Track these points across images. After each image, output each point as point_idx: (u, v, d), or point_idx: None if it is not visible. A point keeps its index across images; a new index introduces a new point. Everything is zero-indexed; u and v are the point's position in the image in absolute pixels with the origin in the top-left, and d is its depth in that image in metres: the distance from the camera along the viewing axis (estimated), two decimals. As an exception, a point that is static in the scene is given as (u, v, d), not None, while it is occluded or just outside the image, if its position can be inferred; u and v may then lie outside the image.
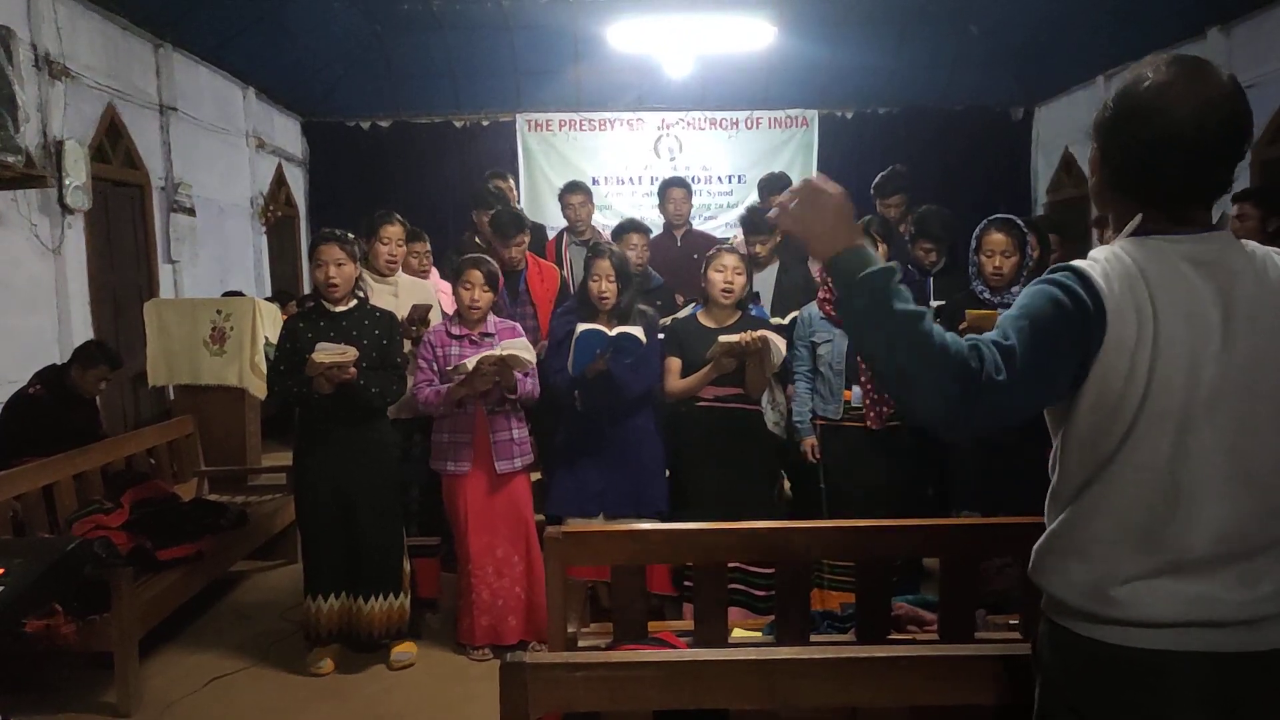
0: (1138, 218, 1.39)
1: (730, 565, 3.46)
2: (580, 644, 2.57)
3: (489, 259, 3.90)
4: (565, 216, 5.37)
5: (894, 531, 2.49)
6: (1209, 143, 1.34)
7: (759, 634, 2.76)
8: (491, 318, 3.85)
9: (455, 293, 3.83)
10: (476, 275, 3.76)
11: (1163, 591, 1.32)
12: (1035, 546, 1.47)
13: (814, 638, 2.53)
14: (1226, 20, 6.74)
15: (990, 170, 9.66)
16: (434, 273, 4.63)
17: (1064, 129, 9.39)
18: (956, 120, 9.75)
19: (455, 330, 3.81)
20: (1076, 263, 1.39)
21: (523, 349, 3.64)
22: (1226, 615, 1.31)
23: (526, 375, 3.71)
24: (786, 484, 4.27)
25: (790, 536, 2.43)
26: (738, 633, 2.74)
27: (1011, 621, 2.67)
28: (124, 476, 4.55)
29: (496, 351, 3.57)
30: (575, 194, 5.31)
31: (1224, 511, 1.32)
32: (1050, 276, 1.39)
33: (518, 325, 3.93)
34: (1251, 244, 1.41)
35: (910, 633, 2.65)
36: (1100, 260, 1.39)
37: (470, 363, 3.53)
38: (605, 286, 3.73)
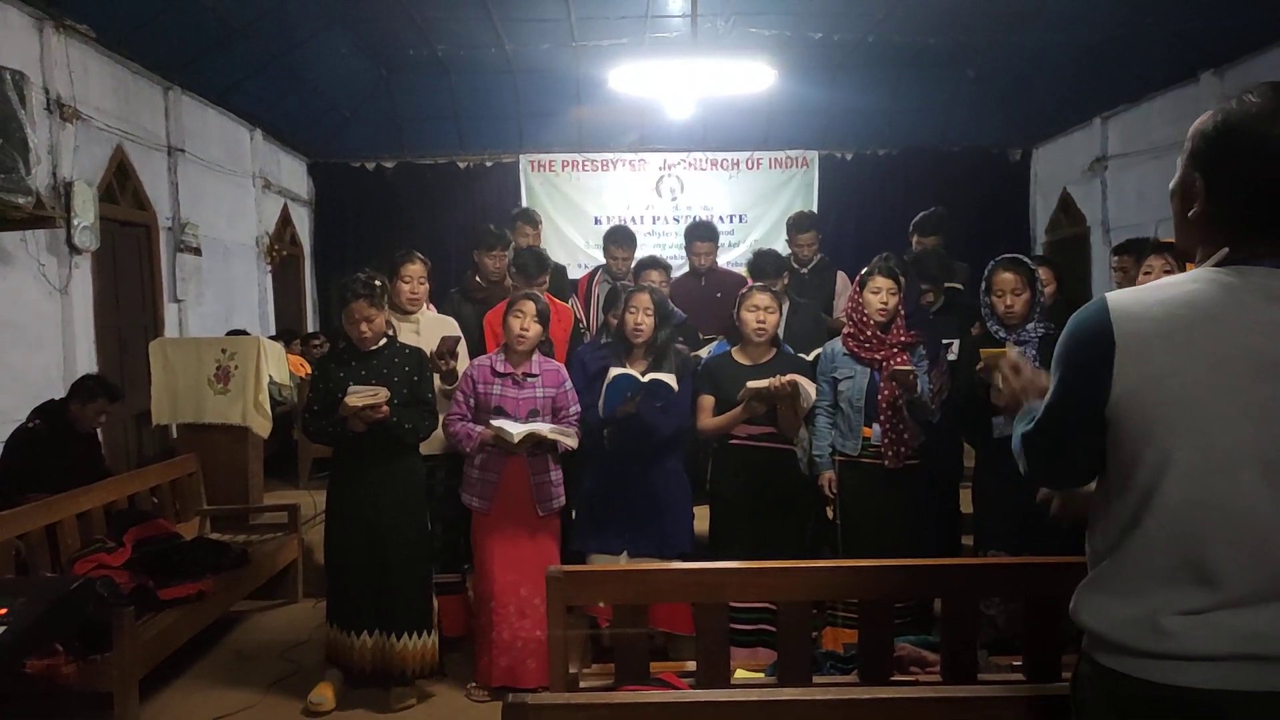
0: (1224, 250, 1.37)
1: (758, 606, 3.47)
2: (582, 685, 2.56)
3: (539, 295, 3.93)
4: (607, 264, 5.43)
5: (898, 571, 2.49)
6: None
7: (761, 675, 2.75)
8: (537, 357, 3.85)
9: (504, 323, 3.82)
10: (529, 306, 3.77)
11: (1216, 625, 1.30)
12: (1080, 585, 1.45)
13: (817, 679, 2.52)
14: (1219, 64, 6.84)
15: (989, 211, 9.75)
16: (431, 309, 4.65)
17: (1061, 170, 9.48)
18: (955, 161, 9.86)
19: (500, 368, 3.80)
20: (1113, 292, 1.42)
21: (569, 436, 3.64)
22: None
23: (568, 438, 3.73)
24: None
25: (793, 576, 2.43)
26: (740, 674, 2.73)
27: (1014, 663, 2.66)
28: (127, 515, 4.55)
29: (544, 431, 3.58)
30: (619, 247, 5.35)
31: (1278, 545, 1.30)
32: (1075, 315, 1.45)
33: (561, 367, 3.93)
34: None
35: (913, 674, 2.64)
36: (1152, 287, 1.40)
37: (516, 435, 3.53)
38: (642, 319, 3.75)
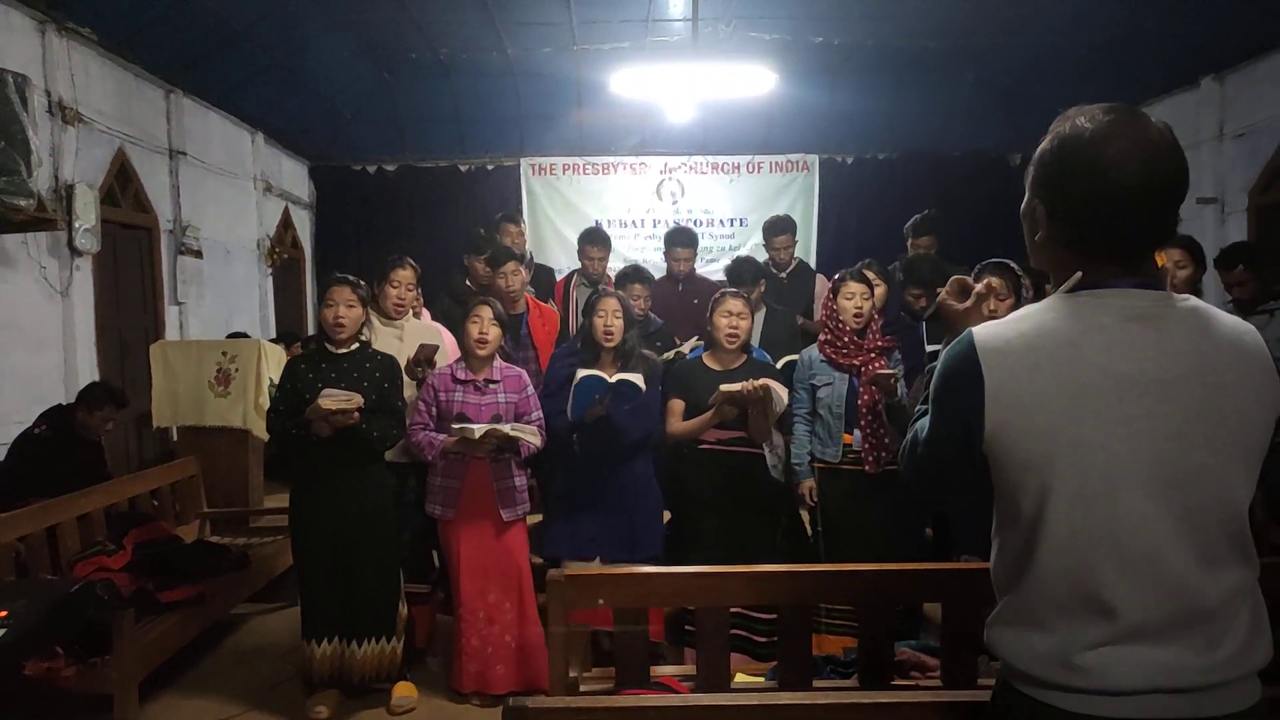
0: (1077, 275, 1.38)
1: (732, 610, 3.47)
2: (582, 689, 2.56)
3: (497, 301, 3.93)
4: (583, 265, 5.40)
5: (897, 576, 2.49)
6: (1159, 192, 1.33)
7: (762, 679, 2.75)
8: (497, 363, 3.86)
9: (463, 329, 3.82)
10: (486, 310, 3.78)
11: (1127, 658, 1.30)
12: (988, 619, 1.46)
13: (817, 683, 2.52)
14: (1219, 68, 6.86)
15: (988, 215, 9.71)
16: (425, 314, 4.65)
17: (1061, 174, 9.48)
18: (954, 165, 9.86)
19: (460, 375, 3.81)
20: (977, 326, 1.43)
21: (530, 434, 3.62)
22: (1190, 682, 1.29)
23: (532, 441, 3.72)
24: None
25: (793, 580, 2.43)
26: (740, 678, 2.74)
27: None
28: (127, 518, 4.55)
29: (505, 429, 3.56)
30: (594, 246, 5.33)
31: (1174, 572, 1.30)
32: (946, 349, 1.45)
33: (523, 373, 3.94)
34: (1192, 298, 1.40)
35: (913, 678, 2.64)
36: (1011, 320, 1.41)
37: (477, 432, 3.52)
38: (612, 322, 3.75)
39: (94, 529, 4.35)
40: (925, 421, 1.50)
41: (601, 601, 2.43)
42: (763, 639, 3.63)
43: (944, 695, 1.97)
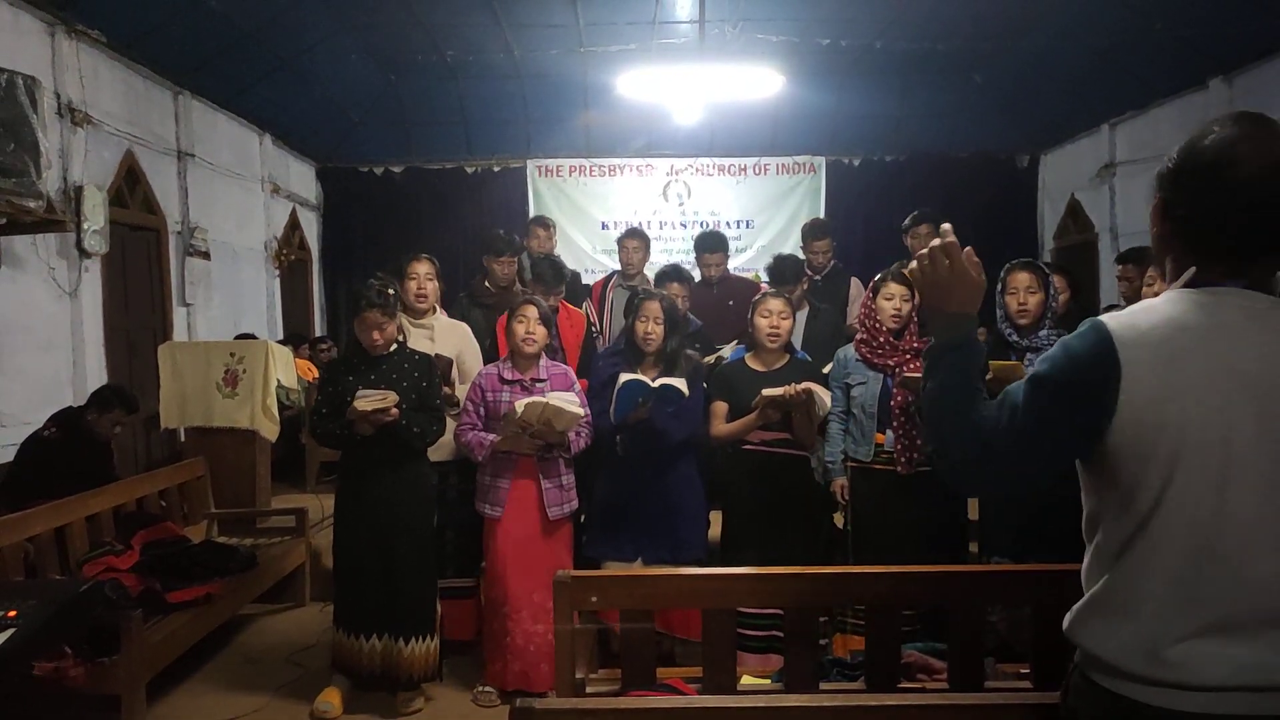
0: (1191, 270, 1.40)
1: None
2: (589, 689, 2.56)
3: (541, 299, 3.95)
4: (620, 259, 5.47)
5: (904, 578, 2.49)
6: (1274, 199, 1.34)
7: (768, 681, 2.75)
8: (544, 362, 3.87)
9: (508, 329, 3.84)
10: (532, 310, 3.80)
11: (1214, 653, 1.30)
12: (1076, 607, 1.46)
13: (824, 685, 2.52)
14: (1228, 70, 6.83)
15: (997, 217, 9.72)
16: (443, 314, 4.67)
17: (1070, 176, 9.46)
18: (962, 167, 9.84)
19: (507, 375, 3.82)
20: (1104, 316, 1.42)
21: (571, 403, 3.61)
22: (1276, 680, 1.29)
23: (579, 434, 3.73)
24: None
25: (799, 582, 2.43)
26: (747, 680, 2.73)
27: (1022, 670, 2.66)
28: (135, 518, 4.57)
29: (545, 399, 3.57)
30: (631, 239, 5.40)
31: (1270, 571, 1.30)
32: (1073, 333, 1.44)
33: (569, 370, 3.95)
34: None
35: (920, 681, 2.64)
36: (1139, 311, 1.41)
37: (520, 406, 3.53)
38: (652, 328, 3.76)
39: (102, 529, 4.37)
40: (1020, 400, 1.43)
41: (595, 599, 2.42)
42: (760, 633, 3.63)
43: (951, 698, 1.96)
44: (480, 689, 3.84)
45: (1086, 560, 1.47)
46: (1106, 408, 1.35)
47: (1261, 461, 1.31)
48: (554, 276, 4.47)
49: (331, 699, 3.72)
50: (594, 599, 2.45)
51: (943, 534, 3.81)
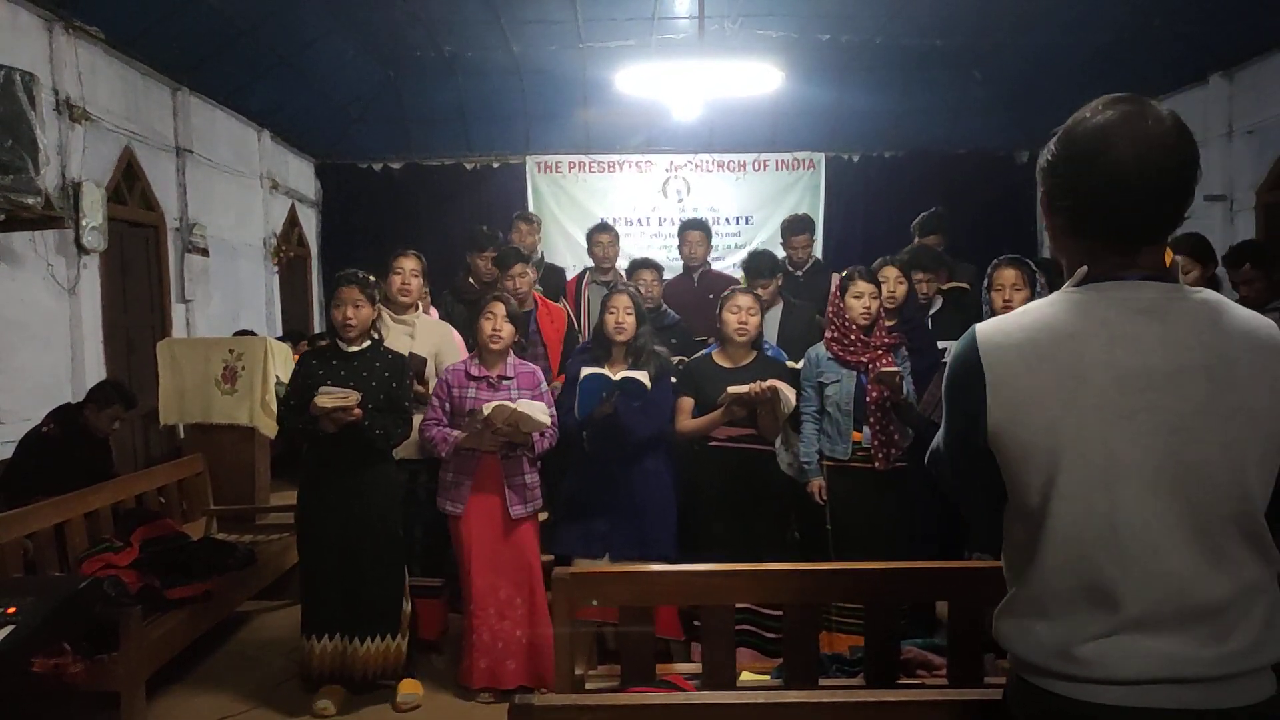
0: (1082, 269, 1.38)
1: (740, 606, 3.47)
2: (587, 686, 2.56)
3: (509, 297, 3.94)
4: (592, 255, 5.51)
5: (903, 575, 2.49)
6: (1153, 181, 1.32)
7: (767, 677, 2.75)
8: (511, 359, 3.86)
9: (476, 326, 3.83)
10: (499, 307, 3.78)
11: (1129, 649, 1.30)
12: (996, 610, 1.47)
13: (823, 681, 2.52)
14: (1228, 66, 6.83)
15: (995, 213, 9.72)
16: (433, 312, 4.66)
17: (1069, 172, 9.45)
18: (961, 163, 9.84)
19: (474, 371, 3.81)
20: (982, 322, 1.44)
21: (539, 411, 3.60)
22: (1198, 673, 1.28)
23: (544, 435, 3.72)
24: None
25: (799, 579, 2.43)
26: (746, 676, 2.73)
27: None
28: (134, 515, 4.56)
29: (512, 405, 3.55)
30: (603, 233, 5.47)
31: (1177, 565, 1.29)
32: (953, 348, 1.47)
33: (537, 370, 3.94)
34: (1206, 291, 1.38)
35: (919, 677, 2.64)
36: (1016, 314, 1.42)
37: (486, 409, 3.52)
38: (623, 318, 3.77)
39: (101, 526, 4.37)
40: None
41: (595, 602, 2.42)
42: (771, 635, 3.62)
43: (950, 694, 1.96)
44: (482, 691, 3.82)
45: (1003, 562, 1.49)
46: (978, 413, 1.37)
47: (1152, 458, 1.29)
48: (514, 257, 4.57)
49: (329, 695, 3.72)
50: (594, 602, 2.45)
51: (926, 528, 3.81)
